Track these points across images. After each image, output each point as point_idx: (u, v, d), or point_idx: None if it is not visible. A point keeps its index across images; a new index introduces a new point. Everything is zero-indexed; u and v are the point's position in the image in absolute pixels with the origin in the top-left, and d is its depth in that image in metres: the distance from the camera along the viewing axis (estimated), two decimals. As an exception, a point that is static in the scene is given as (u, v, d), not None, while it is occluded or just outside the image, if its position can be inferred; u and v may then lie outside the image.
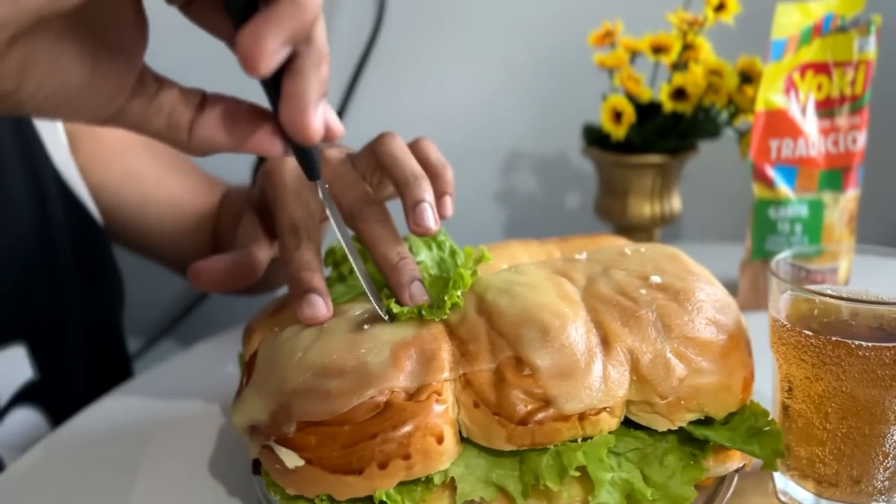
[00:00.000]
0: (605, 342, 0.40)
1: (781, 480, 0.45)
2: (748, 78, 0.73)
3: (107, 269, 0.72)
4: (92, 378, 0.69)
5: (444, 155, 0.48)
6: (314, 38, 0.34)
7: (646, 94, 0.76)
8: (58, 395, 0.64)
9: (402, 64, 0.93)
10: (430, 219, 0.43)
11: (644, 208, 0.78)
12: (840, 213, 0.70)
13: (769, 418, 0.41)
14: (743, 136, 0.74)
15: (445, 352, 0.40)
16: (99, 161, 0.69)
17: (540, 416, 0.38)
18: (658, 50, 0.75)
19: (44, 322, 0.63)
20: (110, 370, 0.73)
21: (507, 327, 0.40)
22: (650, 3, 0.82)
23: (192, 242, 0.74)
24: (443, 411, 0.38)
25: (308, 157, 0.38)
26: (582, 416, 0.38)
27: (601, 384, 0.38)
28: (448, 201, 0.45)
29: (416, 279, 0.43)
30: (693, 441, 0.41)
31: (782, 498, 0.45)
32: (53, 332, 0.64)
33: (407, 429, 0.37)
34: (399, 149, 0.46)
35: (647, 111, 0.76)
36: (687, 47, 0.74)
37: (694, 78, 0.73)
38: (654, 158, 0.76)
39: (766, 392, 0.45)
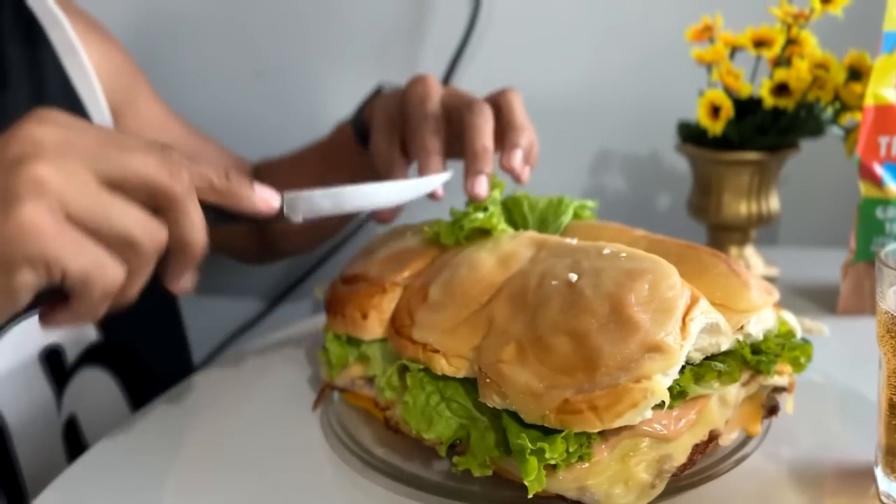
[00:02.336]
0: (484, 305, 0.44)
1: (885, 482, 0.43)
2: (857, 73, 0.69)
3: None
4: (150, 341, 0.71)
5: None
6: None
7: (745, 90, 0.73)
8: (122, 355, 0.67)
9: (493, 62, 0.93)
10: (484, 188, 0.52)
11: (740, 207, 0.76)
12: (954, 215, 0.66)
13: None
14: (849, 133, 0.71)
15: (413, 267, 0.51)
16: (141, 133, 0.72)
17: (403, 329, 0.46)
18: (760, 44, 0.72)
19: None
20: (172, 350, 0.76)
21: (446, 264, 0.48)
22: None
23: None
24: (374, 299, 0.49)
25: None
26: (424, 347, 0.44)
27: (449, 331, 0.44)
28: (533, 153, 0.57)
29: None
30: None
31: (885, 500, 0.42)
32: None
33: (349, 299, 0.51)
34: (483, 118, 0.53)
35: (745, 107, 0.74)
36: (791, 41, 0.72)
37: (798, 73, 0.70)
38: (752, 155, 0.74)
39: (869, 395, 0.43)
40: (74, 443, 0.63)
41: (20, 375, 0.59)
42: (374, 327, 0.49)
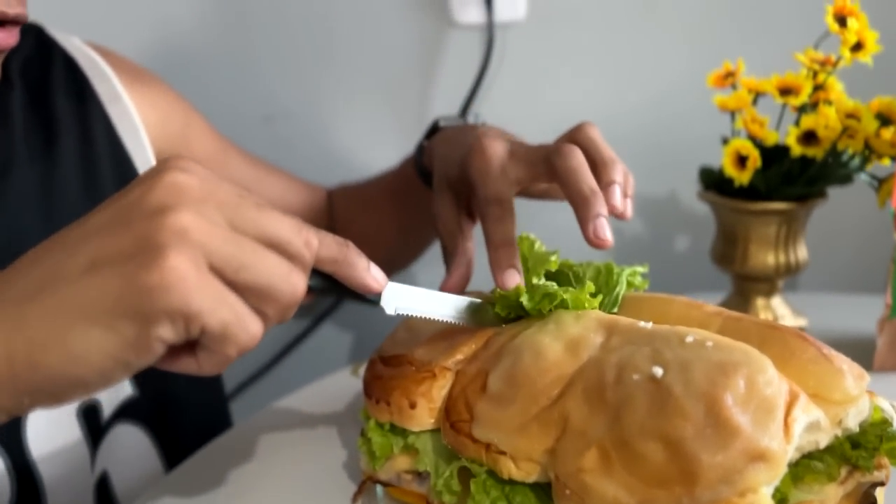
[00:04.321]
0: (556, 401, 0.40)
1: None
2: (887, 120, 0.68)
3: None
4: (187, 395, 0.69)
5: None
6: None
7: (772, 138, 0.71)
8: (156, 411, 0.65)
9: (507, 102, 0.90)
10: (608, 233, 0.47)
11: (767, 257, 0.73)
12: None
13: None
14: (883, 182, 0.69)
15: (464, 350, 0.47)
16: None
17: (461, 425, 0.43)
18: (786, 92, 0.70)
19: None
20: (204, 391, 0.74)
21: (504, 348, 0.45)
22: (771, 42, 0.78)
23: None
24: (423, 386, 0.46)
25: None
26: (488, 447, 0.41)
27: (516, 430, 0.40)
28: (629, 187, 0.52)
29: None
30: None
31: None
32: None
33: (395, 384, 0.47)
34: (577, 162, 0.49)
35: (771, 155, 0.71)
36: (817, 88, 0.70)
37: (826, 120, 0.68)
38: (780, 205, 0.71)
39: None
40: (105, 500, 0.61)
41: (58, 431, 0.58)
42: (424, 418, 0.46)
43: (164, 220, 0.33)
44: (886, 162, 0.70)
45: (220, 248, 0.34)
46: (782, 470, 0.35)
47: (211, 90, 0.90)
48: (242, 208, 0.36)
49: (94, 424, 0.60)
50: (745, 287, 0.76)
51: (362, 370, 0.52)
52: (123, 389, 0.63)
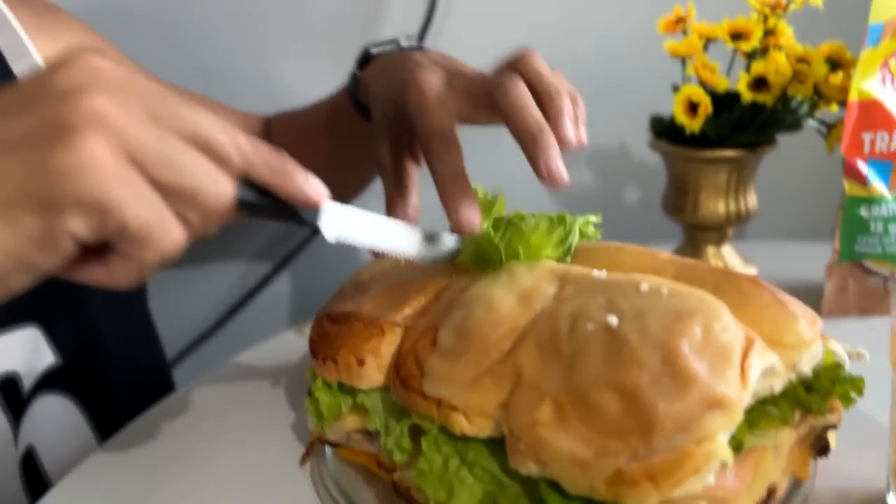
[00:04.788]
0: (508, 353, 0.39)
1: None
2: (836, 65, 0.67)
3: None
4: (123, 363, 0.65)
5: None
6: None
7: (722, 84, 0.70)
8: (85, 379, 0.61)
9: (452, 51, 0.87)
10: (562, 171, 0.44)
11: (718, 206, 0.73)
12: (936, 212, 0.66)
13: None
14: (831, 128, 0.69)
15: (413, 305, 0.45)
16: None
17: (412, 381, 0.41)
18: (737, 36, 0.69)
19: (55, 301, 0.59)
20: (142, 356, 0.70)
21: (454, 302, 0.43)
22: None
23: None
24: (371, 342, 0.44)
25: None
26: (439, 403, 0.39)
27: (468, 385, 0.39)
28: (580, 122, 0.48)
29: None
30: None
31: None
32: (69, 311, 0.60)
33: (342, 341, 0.45)
34: (524, 99, 0.46)
35: (721, 102, 0.71)
36: (768, 33, 0.69)
37: (776, 66, 0.67)
38: (730, 153, 0.71)
39: (864, 407, 0.40)
40: (32, 476, 0.57)
41: None
42: (373, 375, 0.44)
43: (79, 100, 0.30)
44: (834, 108, 0.70)
45: (141, 139, 0.30)
46: (739, 416, 0.34)
47: (146, 43, 0.85)
48: (167, 101, 0.32)
49: (13, 397, 0.56)
50: (696, 236, 0.75)
51: (307, 329, 0.50)
52: (44, 358, 0.58)
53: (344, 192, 0.79)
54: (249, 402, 0.58)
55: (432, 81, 0.50)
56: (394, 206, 0.54)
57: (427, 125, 0.48)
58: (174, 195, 0.32)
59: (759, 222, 0.87)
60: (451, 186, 0.46)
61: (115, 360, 0.65)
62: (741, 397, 0.35)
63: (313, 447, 0.48)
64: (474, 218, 0.45)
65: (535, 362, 0.38)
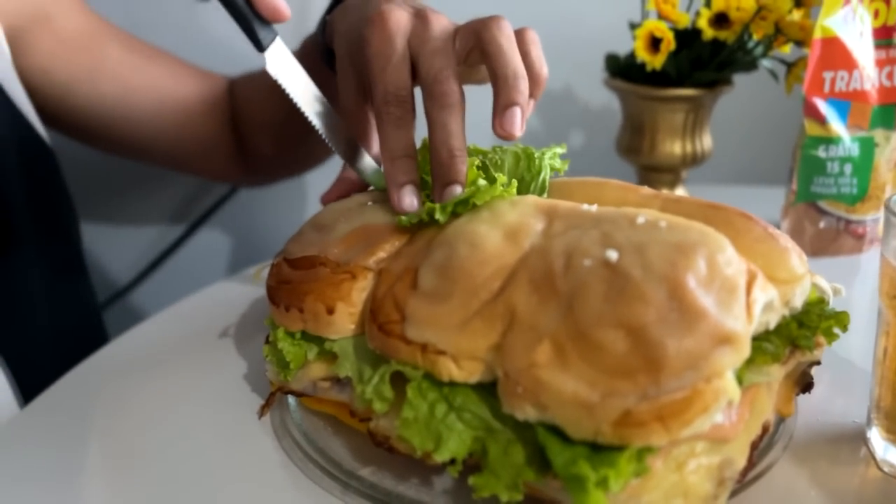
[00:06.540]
0: (499, 293, 0.36)
1: (881, 446, 0.40)
2: (799, 2, 0.66)
3: (59, 195, 0.67)
4: (54, 320, 0.61)
5: None
6: None
7: (683, 20, 0.68)
8: (14, 340, 0.57)
9: None
10: (518, 125, 0.42)
11: (674, 147, 0.72)
12: (889, 154, 0.66)
13: None
14: (792, 67, 0.68)
15: (386, 248, 0.41)
16: (63, 57, 0.66)
17: (391, 326, 0.38)
18: (699, -30, 0.67)
19: None
20: (74, 312, 0.66)
21: (434, 243, 0.40)
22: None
23: (188, 134, 0.72)
24: (341, 289, 0.40)
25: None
26: (424, 348, 0.36)
27: (456, 327, 0.36)
28: (531, 106, 0.45)
29: (457, 183, 0.42)
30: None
31: (884, 468, 0.40)
32: (1, 266, 0.57)
33: (308, 288, 0.41)
34: (507, 39, 0.44)
35: (681, 39, 0.69)
36: (729, -33, 0.67)
37: (738, 2, 0.66)
38: (689, 92, 0.70)
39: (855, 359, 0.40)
40: None
41: None
42: (344, 324, 0.40)
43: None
44: (787, 49, 0.69)
45: None
46: (747, 352, 0.33)
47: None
48: None
49: None
50: (650, 178, 0.74)
51: (265, 274, 0.46)
52: None
53: (316, 151, 0.74)
54: (193, 351, 0.53)
55: (396, 13, 0.45)
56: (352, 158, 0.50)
57: (384, 80, 0.44)
58: None
59: (711, 165, 0.87)
60: (397, 165, 0.44)
61: (37, 312, 0.60)
62: (748, 332, 0.33)
63: (274, 397, 0.44)
64: (411, 203, 0.44)
65: (530, 302, 0.35)
